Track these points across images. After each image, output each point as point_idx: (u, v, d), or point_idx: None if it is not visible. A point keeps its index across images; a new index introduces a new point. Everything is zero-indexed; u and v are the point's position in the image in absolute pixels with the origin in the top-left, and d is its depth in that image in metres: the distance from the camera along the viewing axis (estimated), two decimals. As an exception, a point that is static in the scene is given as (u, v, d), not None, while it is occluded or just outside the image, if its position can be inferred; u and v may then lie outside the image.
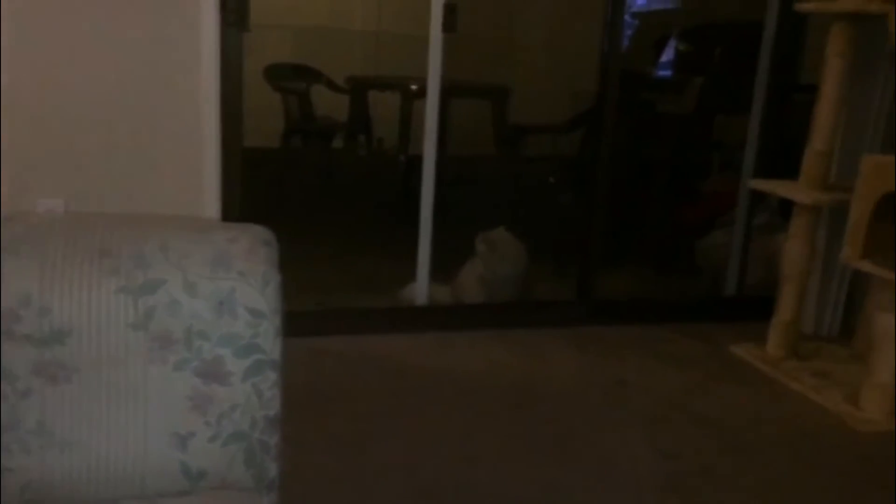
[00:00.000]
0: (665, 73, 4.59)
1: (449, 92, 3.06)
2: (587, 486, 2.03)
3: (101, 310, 1.05)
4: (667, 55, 4.57)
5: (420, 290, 3.06)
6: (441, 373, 2.67)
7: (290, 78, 5.16)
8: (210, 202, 2.61)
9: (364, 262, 3.77)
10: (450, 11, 2.78)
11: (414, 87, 4.44)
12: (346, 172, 5.40)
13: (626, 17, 3.55)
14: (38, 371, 1.04)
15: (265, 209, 3.03)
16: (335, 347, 2.79)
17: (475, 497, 1.97)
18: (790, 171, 2.92)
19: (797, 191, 2.76)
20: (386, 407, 2.40)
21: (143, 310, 1.07)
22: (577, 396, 2.55)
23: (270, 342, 1.12)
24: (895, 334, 2.38)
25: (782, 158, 3.30)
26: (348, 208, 4.86)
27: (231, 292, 1.10)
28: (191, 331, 1.08)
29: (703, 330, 3.15)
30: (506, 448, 2.20)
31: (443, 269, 3.14)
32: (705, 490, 2.03)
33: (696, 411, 2.47)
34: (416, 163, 3.15)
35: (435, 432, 2.26)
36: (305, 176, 5.31)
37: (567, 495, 1.99)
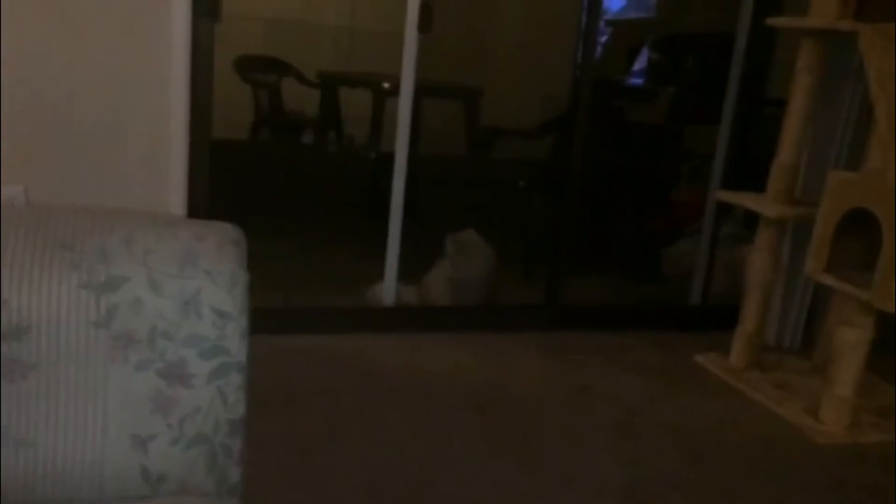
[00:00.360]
0: (637, 81, 4.62)
1: (421, 91, 3.05)
2: (551, 492, 2.03)
3: (61, 306, 1.02)
4: (639, 64, 4.60)
5: (388, 290, 3.04)
6: (406, 375, 2.66)
7: (261, 70, 5.11)
8: (176, 193, 2.57)
9: (331, 259, 3.74)
10: (426, 11, 2.77)
11: (386, 85, 4.42)
12: (314, 168, 5.34)
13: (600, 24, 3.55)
14: (-7, 368, 1.00)
15: (232, 202, 3.00)
16: (300, 346, 2.76)
17: (438, 500, 1.95)
18: (756, 182, 2.96)
19: (764, 204, 2.79)
20: (350, 408, 2.38)
21: (105, 307, 1.03)
22: (541, 402, 2.55)
23: (237, 344, 1.09)
24: (855, 348, 2.42)
25: (749, 170, 3.34)
26: (316, 204, 4.81)
27: (197, 292, 1.07)
28: (155, 331, 1.05)
29: (668, 338, 3.17)
30: (470, 452, 2.19)
31: (410, 269, 3.12)
32: (668, 498, 2.04)
33: (659, 419, 2.49)
34: (386, 161, 3.12)
35: (399, 435, 2.25)
36: (273, 170, 5.24)
37: (530, 501, 1.98)
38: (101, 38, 2.36)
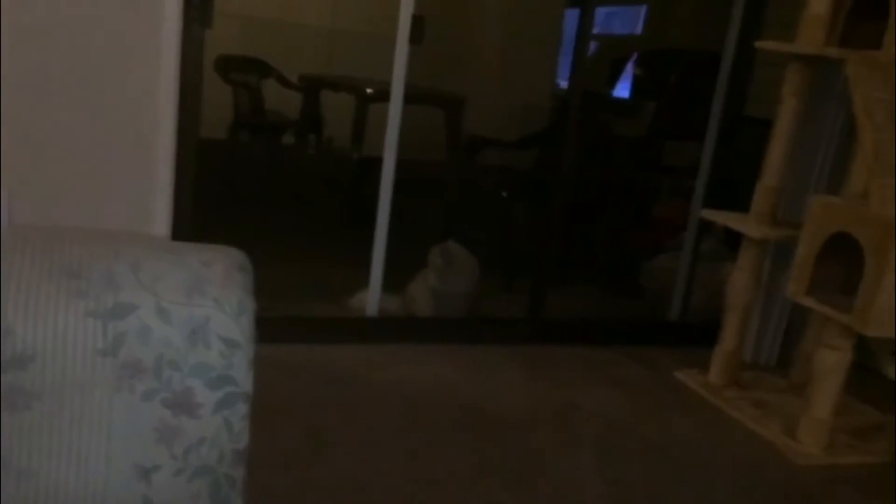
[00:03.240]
0: (620, 95, 4.66)
1: (405, 98, 3.04)
2: (536, 511, 2.03)
3: (67, 334, 1.00)
4: (623, 79, 4.64)
5: (371, 300, 3.03)
6: (390, 387, 2.65)
7: (241, 70, 5.07)
8: (162, 200, 2.53)
9: (311, 266, 3.71)
10: (418, 23, 2.76)
11: (369, 90, 4.40)
12: (294, 170, 5.31)
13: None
14: (-5, 397, 0.98)
15: (211, 202, 2.96)
16: (281, 356, 2.73)
17: (424, 519, 1.95)
18: (736, 199, 3.00)
19: (747, 224, 2.83)
20: (334, 422, 2.36)
21: (112, 335, 1.01)
22: (526, 419, 2.55)
23: (243, 373, 1.08)
24: (835, 371, 2.46)
25: (729, 187, 3.38)
26: (296, 208, 4.78)
27: (206, 320, 1.05)
28: (162, 359, 1.03)
29: (648, 354, 3.20)
30: (455, 469, 2.18)
31: (391, 278, 3.11)
32: (651, 519, 2.06)
33: (642, 437, 2.51)
34: (368, 165, 3.10)
35: (384, 450, 2.24)
36: (252, 171, 5.21)
37: (516, 521, 1.99)
38: (91, 41, 2.32)
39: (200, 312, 1.05)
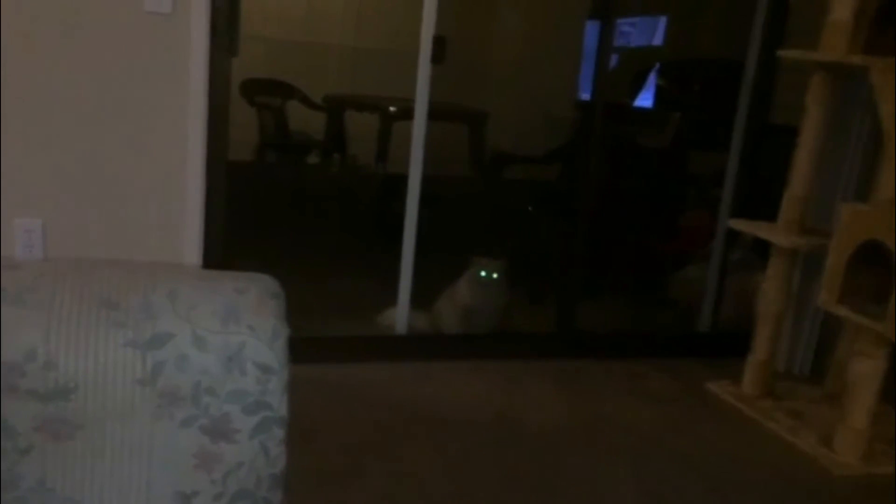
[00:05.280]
0: (643, 105, 4.65)
1: (429, 115, 3.07)
2: (571, 528, 2.03)
3: (107, 365, 1.02)
4: (646, 90, 4.64)
5: (400, 317, 3.05)
6: (422, 405, 2.66)
7: (266, 93, 5.13)
8: (193, 222, 2.57)
9: (339, 284, 3.74)
10: (439, 44, 2.79)
11: (393, 108, 4.44)
12: (321, 191, 5.36)
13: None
14: (40, 427, 1.01)
15: (240, 225, 3.00)
16: (312, 376, 2.75)
17: (458, 537, 1.95)
18: (764, 207, 2.98)
19: (776, 233, 2.81)
20: (368, 441, 2.37)
21: (150, 365, 1.04)
22: (559, 434, 2.55)
23: (279, 399, 1.10)
24: (870, 380, 2.43)
25: (756, 196, 3.36)
26: (322, 227, 4.82)
27: (241, 347, 1.07)
28: (199, 387, 1.05)
29: (679, 365, 3.18)
30: (489, 485, 2.19)
31: (418, 294, 3.12)
32: (687, 534, 2.05)
33: (676, 450, 2.49)
34: (393, 183, 3.11)
35: (419, 468, 2.25)
36: (279, 192, 5.27)
37: (550, 537, 1.98)
38: (120, 72, 2.37)
39: (236, 339, 1.07)
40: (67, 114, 2.36)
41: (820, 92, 2.70)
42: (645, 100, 4.67)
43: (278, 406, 1.10)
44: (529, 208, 3.95)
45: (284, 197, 5.24)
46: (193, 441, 1.06)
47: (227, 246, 2.74)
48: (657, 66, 4.59)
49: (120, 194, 2.47)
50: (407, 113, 3.09)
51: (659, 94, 4.59)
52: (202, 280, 1.13)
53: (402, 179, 2.98)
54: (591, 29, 4.84)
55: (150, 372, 1.04)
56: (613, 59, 4.81)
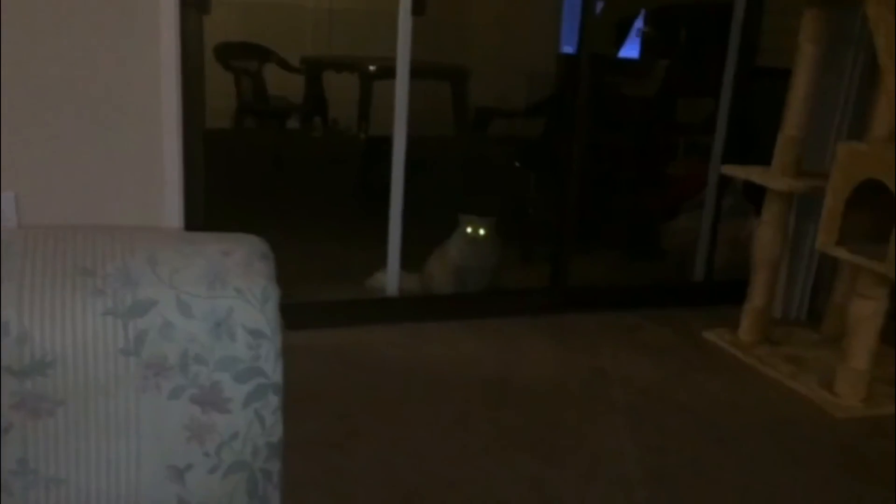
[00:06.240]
0: (629, 55, 4.56)
1: (411, 73, 2.98)
2: (577, 484, 1.99)
3: (87, 335, 0.96)
4: (630, 38, 4.54)
5: (391, 279, 2.99)
6: (416, 366, 2.61)
7: (242, 57, 5.00)
8: (172, 190, 2.48)
9: (327, 249, 3.67)
10: (419, -6, 2.69)
11: (372, 67, 4.33)
12: (302, 155, 5.26)
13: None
14: (18, 405, 0.94)
15: (221, 194, 2.92)
16: (303, 342, 2.70)
17: (460, 498, 1.92)
18: (755, 153, 2.93)
19: (771, 177, 2.76)
20: (363, 405, 2.33)
21: (133, 334, 0.97)
22: (556, 388, 2.51)
23: (272, 364, 1.04)
24: (870, 320, 2.40)
25: (747, 141, 3.31)
26: (306, 192, 4.74)
27: (229, 312, 1.01)
28: (186, 355, 0.99)
29: (674, 315, 3.15)
30: (489, 445, 2.15)
31: (407, 256, 3.06)
32: (695, 484, 2.02)
33: (675, 401, 2.46)
34: (376, 144, 3.03)
35: (414, 430, 2.20)
36: (260, 158, 5.16)
37: (554, 493, 1.95)
38: (88, 35, 2.27)
39: (223, 304, 1.01)
40: (35, 82, 2.26)
41: (813, 29, 2.64)
42: (630, 49, 4.58)
43: (272, 372, 1.04)
44: (517, 164, 3.88)
45: (266, 163, 5.14)
46: (183, 412, 1.00)
47: (209, 216, 2.66)
48: (642, 12, 4.49)
49: (95, 165, 2.38)
50: (387, 72, 2.99)
51: (644, 42, 4.49)
52: (184, 243, 1.07)
53: (386, 141, 2.90)
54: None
55: (133, 341, 0.97)
56: (598, 7, 4.71)
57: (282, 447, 1.08)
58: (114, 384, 0.97)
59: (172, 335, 0.99)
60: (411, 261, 3.10)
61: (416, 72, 2.85)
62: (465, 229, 3.09)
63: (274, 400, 1.05)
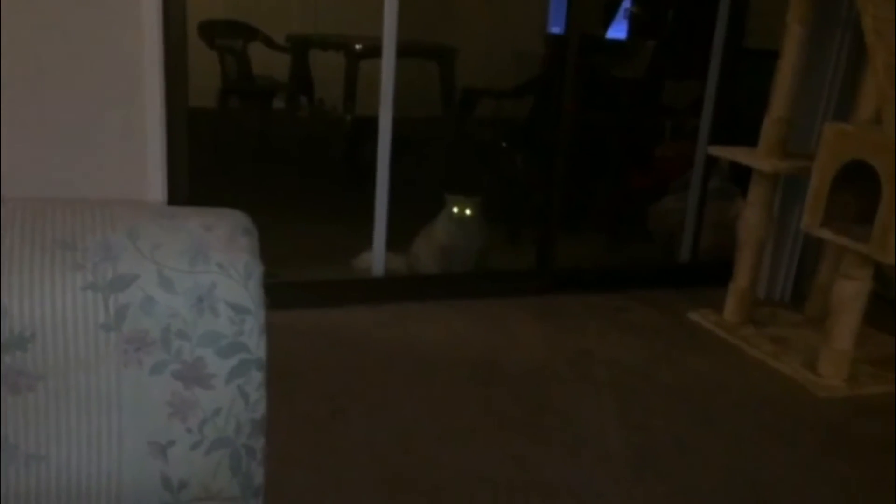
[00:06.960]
0: (616, 36, 4.54)
1: (397, 52, 2.94)
2: (560, 462, 2.00)
3: (66, 310, 0.94)
4: (618, 19, 4.52)
5: (377, 259, 2.97)
6: (402, 346, 2.61)
7: (226, 35, 4.94)
8: (155, 169, 2.46)
9: (312, 229, 3.65)
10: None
11: (359, 46, 4.29)
12: (287, 134, 5.22)
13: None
14: (-4, 380, 0.93)
15: (206, 173, 2.89)
16: (289, 322, 2.68)
17: (446, 477, 1.92)
18: (741, 135, 2.93)
19: (757, 158, 2.76)
20: (349, 384, 2.32)
21: (114, 308, 0.96)
22: (542, 369, 2.51)
23: (255, 340, 1.03)
24: (854, 301, 2.41)
25: (733, 123, 3.31)
26: (291, 172, 4.71)
27: (211, 287, 1.00)
28: (168, 330, 0.98)
29: (660, 296, 3.15)
30: (474, 425, 2.15)
31: (393, 237, 3.04)
32: (680, 463, 2.03)
33: (660, 381, 2.47)
34: (362, 124, 3.00)
35: (401, 410, 2.20)
36: (245, 138, 5.12)
37: (540, 472, 1.96)
38: (69, 9, 2.23)
39: (205, 279, 1.00)
40: (16, 57, 2.21)
41: (800, 10, 2.63)
42: (618, 30, 4.56)
43: (255, 348, 1.03)
44: (503, 144, 3.86)
45: (251, 143, 5.10)
46: (166, 388, 0.99)
47: (193, 196, 2.63)
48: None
49: (76, 141, 2.34)
50: (374, 51, 2.96)
51: (632, 23, 4.47)
52: (165, 217, 1.05)
53: (372, 121, 2.88)
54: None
55: (114, 316, 0.96)
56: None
57: (265, 423, 1.07)
58: (94, 359, 0.96)
59: (154, 310, 0.97)
60: (397, 241, 3.09)
61: (403, 51, 2.82)
62: (451, 209, 3.08)
63: (257, 376, 1.04)
